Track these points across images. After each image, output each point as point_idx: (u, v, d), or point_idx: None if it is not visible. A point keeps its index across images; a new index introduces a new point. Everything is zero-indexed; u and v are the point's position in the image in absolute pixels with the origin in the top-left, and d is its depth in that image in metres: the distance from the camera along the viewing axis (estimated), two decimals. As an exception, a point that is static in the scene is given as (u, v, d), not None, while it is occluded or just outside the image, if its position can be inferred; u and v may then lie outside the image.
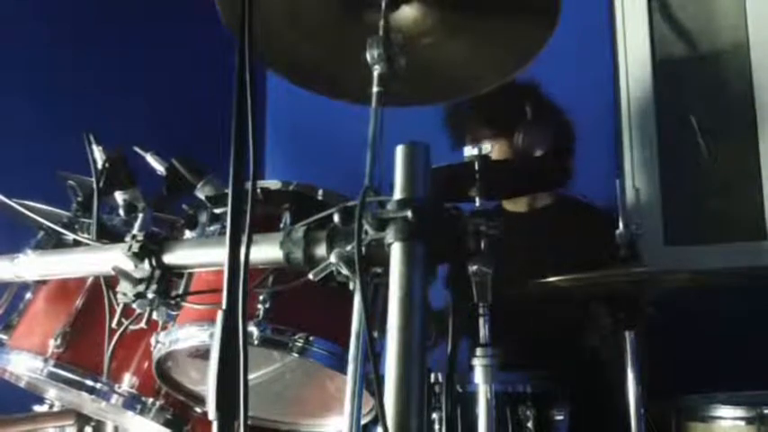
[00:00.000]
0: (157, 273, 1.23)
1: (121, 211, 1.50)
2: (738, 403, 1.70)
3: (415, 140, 1.04)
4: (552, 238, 2.22)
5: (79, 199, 1.54)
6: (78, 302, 1.52)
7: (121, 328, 1.37)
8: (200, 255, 1.23)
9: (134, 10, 2.76)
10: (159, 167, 1.47)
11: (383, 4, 1.29)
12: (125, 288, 1.24)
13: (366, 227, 1.00)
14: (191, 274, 1.33)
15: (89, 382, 1.46)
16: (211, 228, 1.38)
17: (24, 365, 1.49)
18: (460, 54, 1.47)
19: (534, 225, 2.33)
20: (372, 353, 0.98)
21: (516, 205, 2.42)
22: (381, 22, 1.28)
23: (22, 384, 1.65)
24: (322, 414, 1.50)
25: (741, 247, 2.37)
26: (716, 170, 2.46)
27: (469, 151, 1.67)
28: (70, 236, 1.50)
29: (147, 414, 1.47)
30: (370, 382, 1.03)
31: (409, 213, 0.98)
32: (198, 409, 1.47)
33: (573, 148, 2.29)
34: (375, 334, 1.09)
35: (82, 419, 1.74)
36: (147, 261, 1.23)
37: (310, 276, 1.07)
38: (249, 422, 0.82)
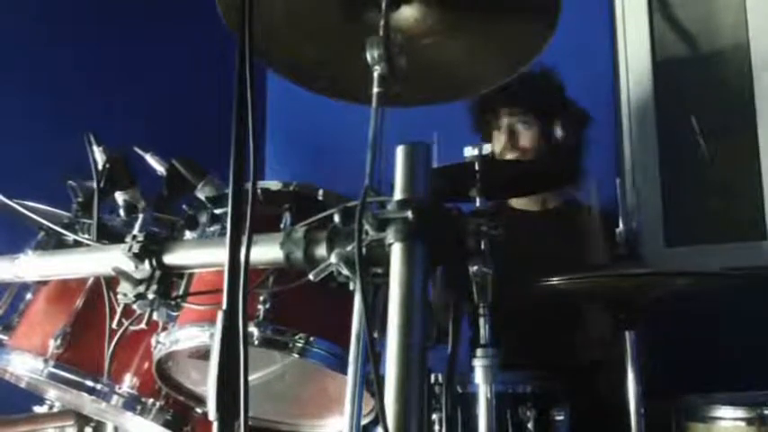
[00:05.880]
0: (158, 273, 1.23)
1: (122, 212, 1.50)
2: (738, 403, 1.70)
3: (414, 140, 1.04)
4: (560, 240, 2.21)
5: (79, 199, 1.54)
6: (78, 303, 1.52)
7: (122, 329, 1.37)
8: (200, 255, 1.23)
9: (134, 10, 2.76)
10: (159, 168, 1.47)
11: (383, 5, 1.29)
12: (125, 289, 1.24)
13: (366, 227, 1.00)
14: (191, 275, 1.33)
15: (89, 383, 1.46)
16: (212, 228, 1.37)
17: (24, 366, 1.49)
18: (460, 54, 1.47)
19: (544, 225, 2.32)
20: (373, 353, 0.98)
21: (527, 204, 2.40)
22: (381, 22, 1.28)
23: (22, 385, 1.65)
24: (322, 414, 1.50)
25: (741, 247, 2.37)
26: (716, 170, 2.46)
27: (470, 151, 1.67)
28: (70, 236, 1.50)
29: (147, 415, 1.47)
30: (371, 382, 1.03)
31: (409, 213, 0.98)
32: (198, 410, 1.47)
33: (583, 141, 2.30)
34: (375, 334, 1.09)
35: (82, 420, 1.74)
36: (147, 262, 1.23)
37: (311, 277, 1.07)
38: (249, 423, 0.82)
